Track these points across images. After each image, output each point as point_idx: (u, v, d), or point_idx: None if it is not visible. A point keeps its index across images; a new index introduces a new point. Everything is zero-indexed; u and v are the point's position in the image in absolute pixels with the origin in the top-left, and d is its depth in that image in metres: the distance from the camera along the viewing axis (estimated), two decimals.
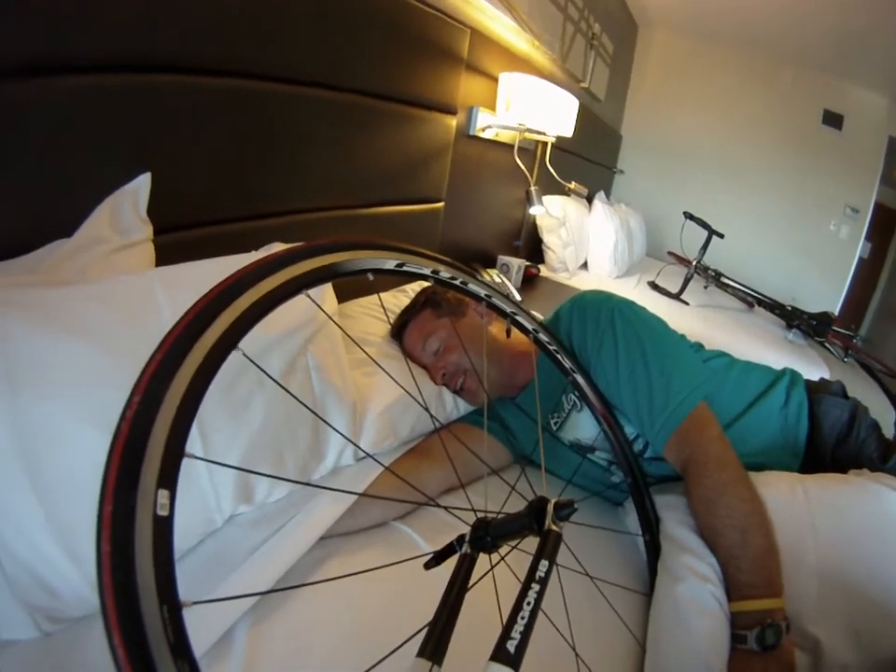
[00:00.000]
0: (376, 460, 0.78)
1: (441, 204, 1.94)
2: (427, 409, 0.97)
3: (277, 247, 0.88)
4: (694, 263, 3.13)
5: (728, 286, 3.27)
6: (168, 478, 0.33)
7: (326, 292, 0.91)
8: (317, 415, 0.77)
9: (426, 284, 0.78)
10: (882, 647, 0.73)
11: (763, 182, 4.58)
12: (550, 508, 0.50)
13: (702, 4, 3.77)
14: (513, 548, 0.58)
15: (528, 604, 0.42)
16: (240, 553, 0.69)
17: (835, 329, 3.08)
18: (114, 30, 0.84)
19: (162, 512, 0.32)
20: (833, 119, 4.27)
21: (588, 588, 0.78)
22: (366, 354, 0.80)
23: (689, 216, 3.17)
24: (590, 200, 3.54)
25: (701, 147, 4.72)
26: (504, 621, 0.42)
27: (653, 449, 0.95)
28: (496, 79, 2.13)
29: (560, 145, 2.76)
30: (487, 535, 0.53)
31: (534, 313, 0.96)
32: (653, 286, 3.13)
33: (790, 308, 3.09)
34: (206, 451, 0.65)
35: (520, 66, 2.34)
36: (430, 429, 1.03)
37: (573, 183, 2.84)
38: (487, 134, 2.12)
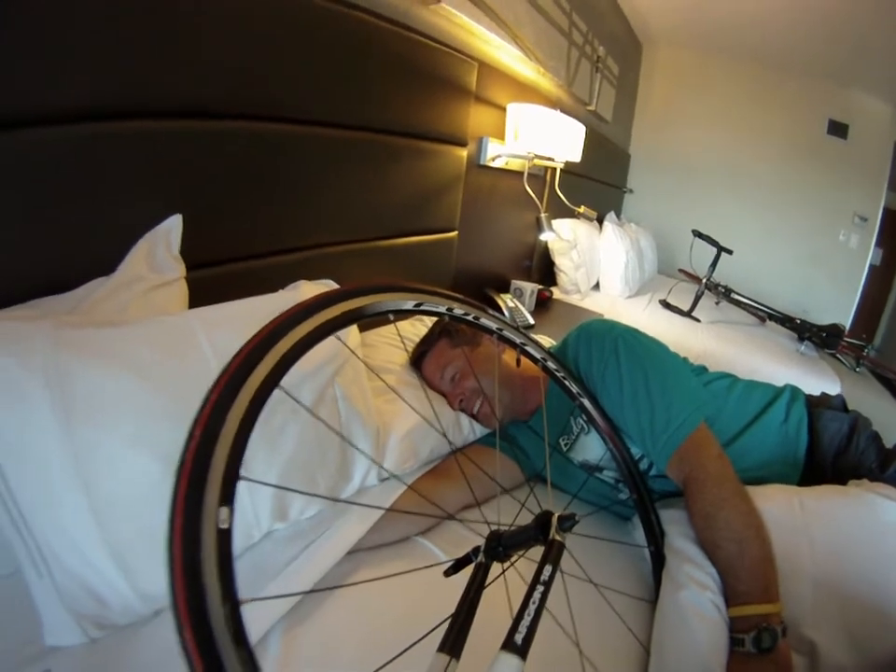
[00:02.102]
0: (400, 479, 0.85)
1: (454, 234, 2.01)
2: (444, 434, 1.03)
3: (303, 286, 0.95)
4: (704, 281, 3.16)
5: (738, 301, 3.29)
6: (227, 497, 0.40)
7: (350, 328, 0.98)
8: (347, 440, 0.85)
9: None
10: (877, 649, 0.76)
11: (770, 195, 4.61)
12: (554, 520, 0.56)
13: (703, 20, 3.82)
14: (521, 556, 0.63)
15: (534, 603, 0.49)
16: (275, 566, 0.76)
17: (846, 339, 3.10)
18: (150, 80, 0.94)
19: (223, 526, 0.39)
20: (838, 129, 4.31)
21: (597, 596, 0.83)
22: (387, 385, 0.87)
23: (697, 233, 3.21)
24: (601, 221, 3.61)
25: (708, 162, 4.76)
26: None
27: (657, 467, 1.00)
28: (504, 109, 2.21)
29: (569, 168, 2.82)
30: (500, 546, 0.60)
31: (542, 341, 1.02)
32: (665, 304, 3.17)
33: (798, 321, 3.11)
34: (247, 473, 0.72)
35: (527, 94, 2.43)
36: (448, 451, 1.09)
37: (582, 207, 2.92)
38: (497, 163, 2.19)
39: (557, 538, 0.55)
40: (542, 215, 2.33)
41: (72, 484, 0.63)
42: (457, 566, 0.63)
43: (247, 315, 0.75)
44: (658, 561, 0.92)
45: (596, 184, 3.88)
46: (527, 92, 2.47)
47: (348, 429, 0.89)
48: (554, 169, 2.72)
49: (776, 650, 0.73)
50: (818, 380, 2.56)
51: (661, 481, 1.01)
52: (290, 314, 0.53)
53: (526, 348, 0.93)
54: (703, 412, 0.96)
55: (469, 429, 1.15)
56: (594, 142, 3.47)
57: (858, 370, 3.01)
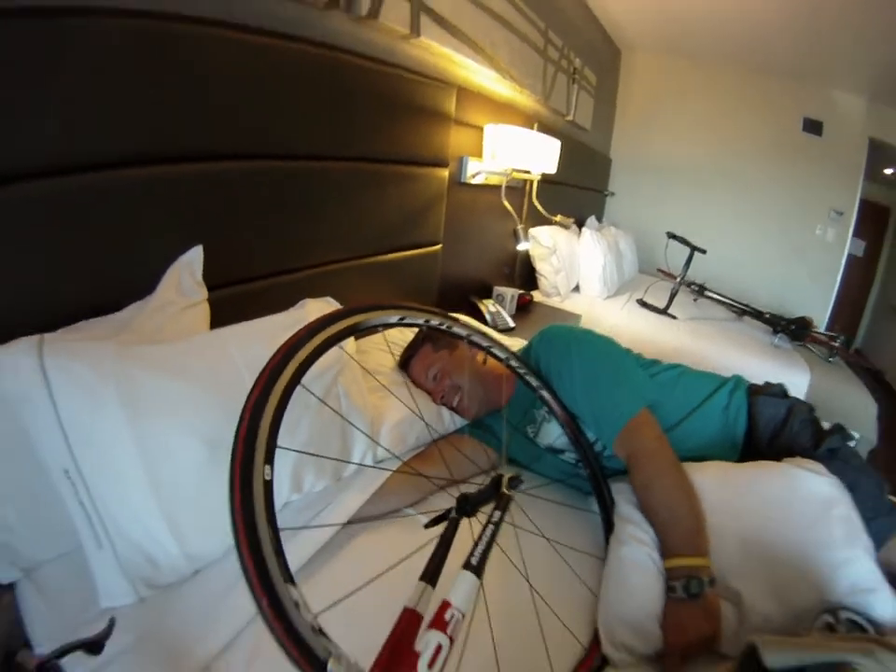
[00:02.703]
0: (396, 456, 1.04)
1: (439, 247, 2.20)
2: (427, 424, 1.22)
3: (308, 304, 1.15)
4: (678, 279, 3.34)
5: (712, 298, 3.47)
6: (269, 459, 0.59)
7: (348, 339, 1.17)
8: (353, 424, 1.05)
9: None
10: (795, 599, 0.92)
11: (748, 192, 4.77)
12: (504, 480, 0.75)
13: (677, 25, 3.94)
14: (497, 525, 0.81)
15: (486, 537, 0.67)
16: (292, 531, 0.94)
17: (816, 332, 3.27)
18: (169, 132, 1.13)
19: (267, 478, 0.57)
20: (813, 126, 4.47)
21: (559, 554, 1.02)
22: (380, 383, 1.06)
23: (671, 235, 3.40)
24: (581, 225, 3.80)
25: (687, 163, 4.92)
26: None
27: (606, 448, 1.19)
28: (482, 128, 2.39)
29: (548, 178, 3.00)
30: (467, 504, 0.78)
31: (507, 343, 1.21)
32: (642, 303, 3.35)
33: (768, 315, 3.29)
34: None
35: (505, 112, 2.62)
36: (430, 440, 1.28)
37: (558, 216, 3.10)
38: (477, 180, 2.39)
39: (506, 492, 0.73)
40: (519, 227, 2.52)
41: (135, 466, 0.81)
42: (436, 521, 0.81)
43: (267, 331, 0.95)
44: (608, 525, 1.10)
45: (576, 189, 4.06)
46: (505, 110, 2.65)
47: (350, 417, 1.08)
48: (532, 181, 2.90)
49: (703, 596, 0.90)
50: (788, 370, 2.76)
51: (614, 460, 1.19)
52: (305, 331, 0.73)
53: (492, 350, 1.12)
54: (645, 400, 1.15)
55: (449, 420, 1.34)
56: (572, 150, 3.64)
57: (831, 360, 3.15)
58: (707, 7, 3.35)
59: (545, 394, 1.17)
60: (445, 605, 0.60)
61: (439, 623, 0.58)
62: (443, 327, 1.01)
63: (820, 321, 4.59)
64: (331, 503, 1.00)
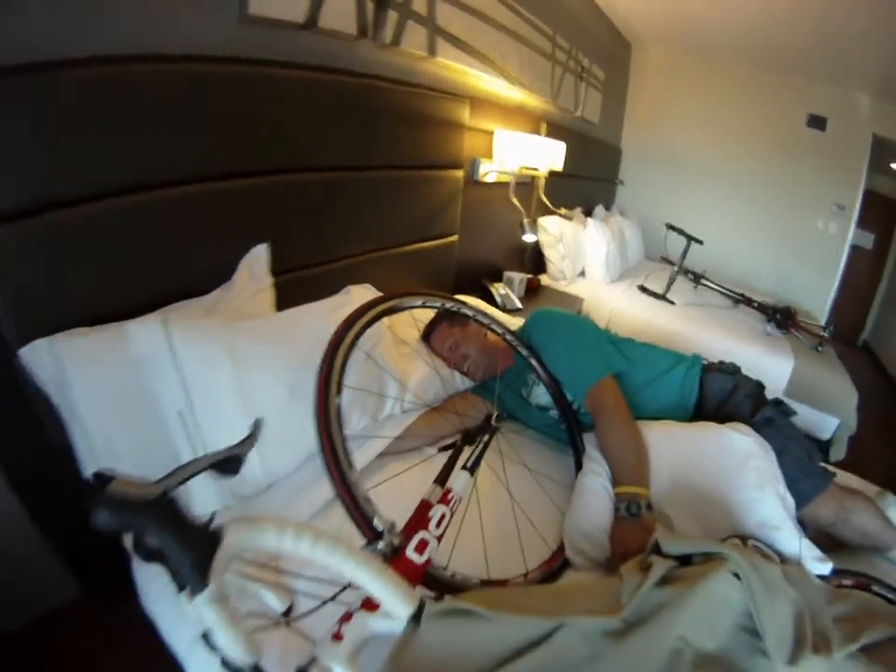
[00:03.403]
0: (425, 404, 1.39)
1: (455, 237, 2.53)
2: (442, 378, 1.56)
3: (352, 290, 1.51)
4: (676, 267, 3.61)
5: (707, 285, 3.71)
6: (339, 391, 0.93)
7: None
8: (395, 376, 1.40)
9: None
10: (714, 527, 1.21)
11: (753, 185, 4.90)
12: (493, 415, 1.08)
13: (684, 22, 4.05)
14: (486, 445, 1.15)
15: (478, 448, 1.01)
16: None
17: (803, 321, 3.45)
18: (243, 153, 1.47)
19: (338, 402, 0.91)
20: (817, 122, 4.56)
21: (535, 485, 1.36)
22: (410, 348, 1.41)
23: (669, 226, 3.68)
24: (590, 213, 4.08)
25: (694, 155, 5.08)
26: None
27: (578, 404, 1.51)
28: (492, 133, 2.69)
29: (556, 172, 3.25)
30: (469, 436, 1.11)
31: (506, 322, 1.53)
32: (642, 288, 3.62)
33: (756, 304, 3.51)
34: None
35: (515, 115, 2.92)
36: (445, 396, 1.62)
37: (562, 209, 3.39)
38: (489, 178, 2.70)
39: (493, 424, 1.06)
40: (525, 220, 2.82)
41: (235, 405, 1.15)
42: (447, 447, 1.14)
43: (324, 311, 1.32)
44: (578, 465, 1.43)
45: (586, 180, 4.33)
46: (515, 113, 2.95)
47: (383, 376, 1.42)
48: (540, 177, 3.19)
49: (641, 516, 1.19)
50: (773, 356, 2.99)
51: (587, 416, 1.50)
52: (358, 311, 1.07)
53: (492, 326, 1.45)
54: (610, 368, 1.46)
55: (459, 382, 1.69)
56: (581, 144, 3.93)
57: (819, 349, 3.27)
58: (715, 4, 3.44)
59: (533, 362, 1.50)
60: (448, 490, 0.94)
61: (444, 500, 0.92)
62: (455, 309, 1.34)
63: (821, 312, 4.73)
64: (371, 437, 1.34)
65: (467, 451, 1.10)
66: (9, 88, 1.00)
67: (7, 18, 1.05)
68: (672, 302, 3.53)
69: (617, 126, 5.26)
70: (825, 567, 1.17)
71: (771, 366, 2.94)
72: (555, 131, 3.36)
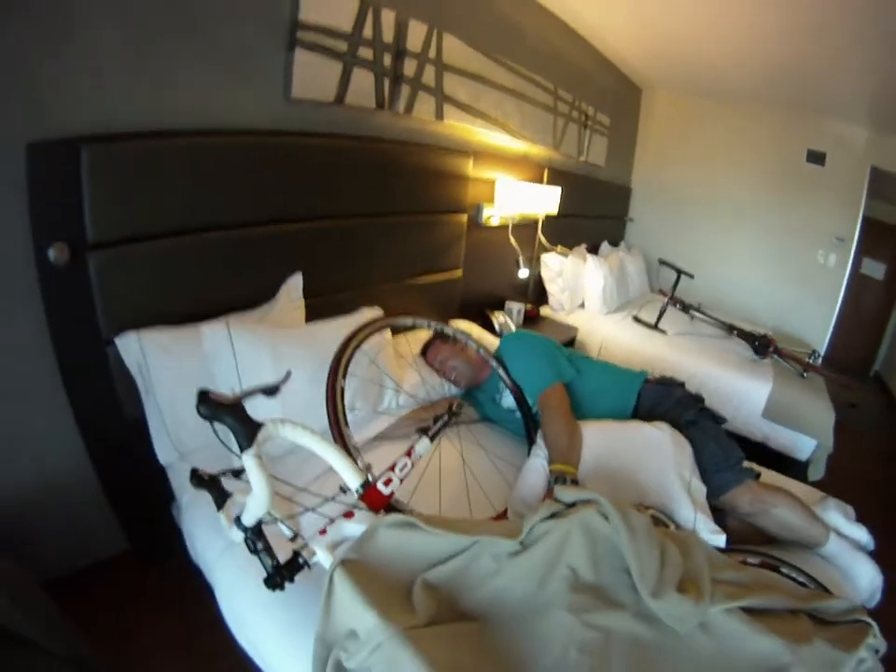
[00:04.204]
0: (415, 398, 1.81)
1: (460, 272, 2.97)
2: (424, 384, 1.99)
3: (364, 310, 1.97)
4: (667, 299, 3.94)
5: (696, 316, 4.02)
6: (344, 377, 1.37)
7: (386, 330, 1.97)
8: (389, 377, 1.85)
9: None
10: (625, 498, 1.34)
11: (756, 221, 5.13)
12: (454, 404, 1.49)
13: (690, 66, 4.36)
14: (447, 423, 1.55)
15: (439, 424, 1.43)
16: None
17: (784, 348, 3.67)
18: (283, 204, 1.93)
19: (343, 386, 1.35)
20: (817, 157, 4.77)
21: (494, 467, 1.76)
22: (406, 361, 1.85)
23: (661, 261, 4.05)
24: (596, 249, 4.47)
25: (700, 192, 5.34)
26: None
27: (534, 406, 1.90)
28: (494, 181, 3.12)
29: (560, 213, 3.61)
30: (439, 419, 1.52)
31: (482, 338, 1.95)
32: (636, 319, 3.96)
33: (736, 332, 3.79)
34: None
35: (517, 163, 3.35)
36: (430, 398, 2.03)
37: (559, 247, 3.80)
38: (493, 221, 3.14)
39: (454, 409, 1.48)
40: (520, 258, 3.26)
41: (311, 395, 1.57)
42: (424, 430, 1.54)
43: (342, 325, 1.76)
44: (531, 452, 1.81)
45: (592, 219, 4.72)
46: (518, 162, 3.39)
47: (383, 379, 1.85)
48: (537, 219, 3.60)
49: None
50: (751, 381, 3.26)
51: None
52: (363, 325, 1.53)
53: (470, 343, 1.86)
54: (560, 377, 1.86)
55: (447, 389, 2.10)
56: (585, 186, 4.36)
57: (805, 375, 3.45)
58: (717, 50, 3.69)
59: (501, 372, 1.91)
60: (411, 449, 1.35)
61: (408, 454, 1.33)
62: (440, 329, 1.77)
63: (821, 342, 4.90)
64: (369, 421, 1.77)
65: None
66: (109, 152, 1.47)
67: (99, 96, 1.55)
68: (664, 332, 3.83)
69: (626, 166, 5.61)
70: (719, 539, 1.46)
71: (749, 390, 3.24)
72: (558, 176, 3.77)
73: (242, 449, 0.99)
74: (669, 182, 5.54)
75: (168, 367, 1.58)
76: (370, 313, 1.99)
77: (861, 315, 6.67)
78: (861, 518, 1.82)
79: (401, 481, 1.28)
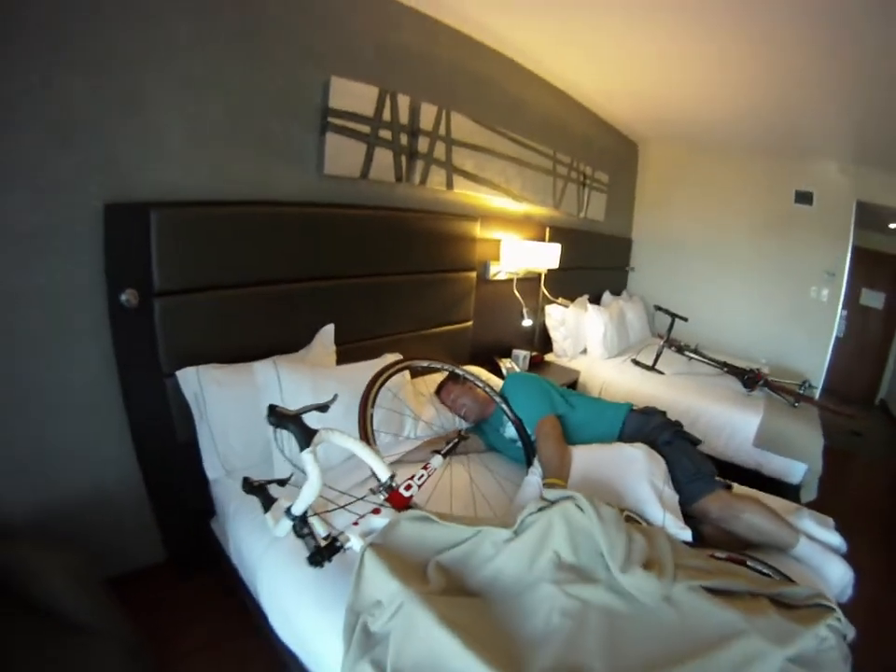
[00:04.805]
0: (436, 431, 2.12)
1: (470, 323, 3.35)
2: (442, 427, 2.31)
3: (388, 356, 2.33)
4: (662, 342, 4.23)
5: (689, 356, 4.28)
6: (373, 405, 1.73)
7: (405, 371, 2.30)
8: (412, 411, 2.20)
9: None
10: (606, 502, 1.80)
11: (750, 262, 5.38)
12: (463, 431, 1.82)
13: (683, 125, 4.75)
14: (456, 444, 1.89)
15: (451, 445, 1.76)
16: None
17: (775, 380, 3.91)
18: (313, 264, 2.31)
19: (372, 412, 1.70)
20: (804, 197, 5.01)
21: (498, 484, 2.06)
22: (424, 398, 2.22)
23: (657, 307, 4.39)
24: (598, 299, 4.81)
25: (696, 238, 5.63)
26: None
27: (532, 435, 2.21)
28: (500, 240, 3.51)
29: (561, 267, 3.94)
30: (448, 442, 1.84)
31: (489, 379, 2.28)
32: (635, 362, 4.24)
33: (725, 369, 4.04)
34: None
35: (521, 223, 3.73)
36: (445, 429, 2.36)
37: (560, 298, 4.16)
38: (499, 277, 3.53)
39: (462, 434, 1.81)
40: (524, 309, 3.66)
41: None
42: (439, 451, 1.86)
43: (368, 368, 2.11)
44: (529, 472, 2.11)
45: (594, 270, 5.07)
46: (522, 222, 3.78)
47: (403, 412, 2.18)
48: (540, 274, 3.97)
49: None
50: (742, 413, 3.50)
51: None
52: (388, 364, 1.92)
53: (477, 384, 2.20)
54: (552, 410, 2.17)
55: (457, 422, 2.43)
56: (586, 240, 4.74)
57: (797, 405, 3.65)
58: (706, 107, 4.02)
59: (504, 407, 2.24)
60: (427, 464, 1.67)
61: (424, 468, 1.65)
62: (450, 370, 2.14)
63: (818, 375, 5.10)
64: (395, 447, 2.09)
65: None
66: (174, 215, 1.87)
67: (166, 168, 1.97)
68: (661, 373, 4.09)
69: (626, 218, 5.96)
70: (685, 534, 1.72)
71: (740, 421, 3.48)
72: (559, 233, 4.14)
73: (301, 449, 1.32)
74: (667, 231, 5.83)
75: (221, 397, 1.93)
76: (392, 357, 2.33)
77: (864, 345, 6.94)
78: (856, 538, 1.97)
79: (419, 487, 1.60)
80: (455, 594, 1.34)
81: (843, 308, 6.43)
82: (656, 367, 4.15)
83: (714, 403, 3.66)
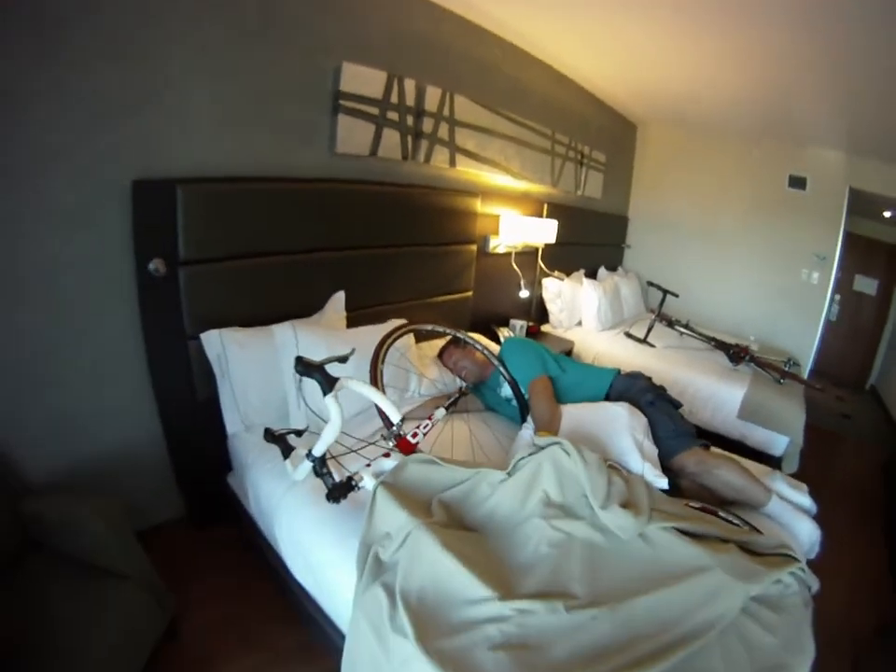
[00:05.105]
0: (441, 390, 2.32)
1: (470, 293, 3.53)
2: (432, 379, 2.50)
3: (394, 321, 2.50)
4: (654, 316, 4.43)
5: (681, 331, 4.46)
6: (383, 362, 1.92)
7: (410, 334, 2.49)
8: (417, 370, 2.43)
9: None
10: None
11: (743, 242, 5.51)
12: (465, 389, 2.01)
13: (681, 107, 4.82)
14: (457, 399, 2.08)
15: (453, 399, 1.97)
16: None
17: (765, 357, 4.08)
18: (329, 236, 2.50)
19: (382, 368, 1.89)
20: (798, 182, 5.13)
21: (495, 438, 2.25)
22: (429, 359, 2.44)
23: (650, 283, 4.57)
24: (594, 274, 4.97)
25: (692, 219, 5.74)
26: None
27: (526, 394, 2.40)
28: (499, 216, 3.67)
29: (558, 242, 4.04)
30: (452, 398, 2.03)
31: (488, 344, 2.46)
32: (627, 334, 4.42)
33: (713, 343, 4.23)
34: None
35: (520, 200, 3.88)
36: (447, 388, 2.55)
37: (556, 272, 4.33)
38: (499, 250, 3.69)
39: (463, 390, 2.00)
40: (521, 281, 3.83)
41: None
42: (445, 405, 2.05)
43: (376, 331, 2.29)
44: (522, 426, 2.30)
45: (590, 246, 5.23)
46: (521, 199, 3.93)
47: (408, 371, 2.39)
48: (538, 248, 4.12)
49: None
50: (727, 386, 3.69)
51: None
52: (396, 327, 2.13)
53: (477, 347, 2.39)
54: (545, 371, 2.37)
55: (458, 383, 2.58)
56: (583, 217, 4.89)
57: (782, 382, 3.78)
58: (704, 90, 4.05)
59: (501, 369, 2.42)
60: (432, 415, 1.87)
61: (429, 418, 1.86)
62: (452, 333, 2.31)
63: (807, 355, 5.29)
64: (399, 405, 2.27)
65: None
66: (199, 191, 2.00)
67: (191, 146, 2.12)
68: (652, 345, 4.28)
69: (623, 197, 6.10)
70: (662, 482, 1.88)
71: (725, 393, 3.66)
72: (557, 209, 4.29)
73: (325, 394, 1.52)
74: (664, 210, 5.96)
75: (242, 358, 2.11)
76: (398, 321, 2.51)
77: (856, 330, 7.13)
78: (835, 508, 2.17)
79: (424, 435, 1.80)
80: (456, 527, 1.52)
81: (836, 293, 6.74)
82: (647, 340, 4.34)
83: (701, 375, 3.84)
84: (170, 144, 2.07)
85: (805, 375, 5.06)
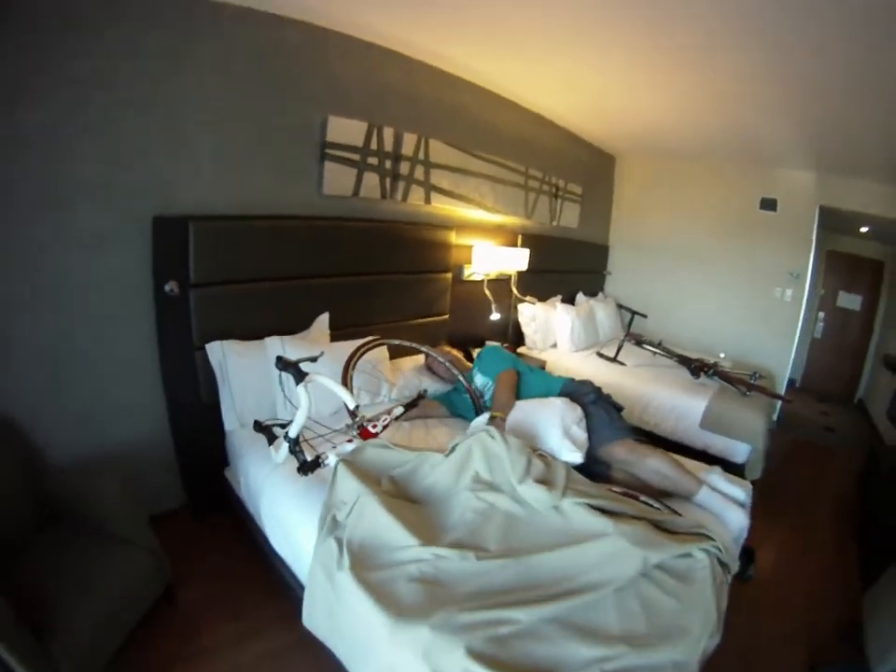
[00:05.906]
0: (415, 398, 2.71)
1: (446, 316, 3.92)
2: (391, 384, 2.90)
3: (369, 338, 2.88)
4: (623, 336, 4.75)
5: (648, 349, 4.69)
6: (353, 368, 2.36)
7: (383, 347, 2.93)
8: (386, 378, 2.87)
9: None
10: (532, 443, 2.22)
11: (718, 264, 5.71)
12: (422, 393, 2.42)
13: (654, 137, 5.08)
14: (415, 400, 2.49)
15: (412, 403, 2.37)
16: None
17: (724, 370, 4.28)
18: (319, 264, 2.92)
19: (353, 375, 2.32)
20: (769, 204, 5.33)
21: (450, 433, 2.63)
22: (399, 371, 2.78)
23: (620, 305, 4.92)
24: (573, 300, 5.34)
25: (670, 243, 5.97)
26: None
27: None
28: (472, 246, 4.06)
29: (531, 270, 4.48)
30: (410, 401, 2.43)
31: (458, 358, 2.88)
32: (599, 354, 4.73)
33: (676, 359, 4.48)
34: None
35: (495, 231, 4.27)
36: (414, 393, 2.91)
37: (528, 297, 4.71)
38: (473, 278, 4.09)
39: (421, 394, 2.41)
40: (493, 306, 4.20)
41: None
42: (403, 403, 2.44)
43: (353, 345, 2.67)
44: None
45: (567, 273, 5.51)
46: (495, 230, 4.32)
47: (379, 379, 2.81)
48: (511, 275, 4.51)
49: (495, 422, 2.40)
50: (689, 398, 3.91)
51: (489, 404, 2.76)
52: (368, 342, 2.57)
53: (439, 359, 2.83)
54: (514, 366, 2.79)
55: (433, 390, 3.01)
56: (558, 246, 5.21)
57: (748, 394, 3.90)
58: (675, 122, 4.32)
59: (461, 377, 2.81)
60: (391, 409, 2.27)
61: (387, 413, 2.25)
62: (416, 347, 2.76)
63: (783, 370, 5.45)
64: (369, 408, 2.66)
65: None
66: (207, 226, 2.42)
67: (199, 187, 2.57)
68: (623, 364, 4.56)
69: (603, 226, 6.39)
70: (576, 456, 2.17)
71: (688, 405, 3.88)
72: (531, 239, 4.64)
73: (297, 384, 1.95)
74: (643, 237, 6.19)
75: (240, 365, 2.51)
76: (371, 337, 2.90)
77: (842, 346, 7.32)
78: (808, 515, 2.35)
79: (384, 427, 2.20)
80: (402, 499, 1.88)
81: (820, 311, 7.08)
82: (618, 359, 4.62)
83: (665, 389, 4.08)
84: (182, 183, 2.52)
85: (782, 390, 5.31)
